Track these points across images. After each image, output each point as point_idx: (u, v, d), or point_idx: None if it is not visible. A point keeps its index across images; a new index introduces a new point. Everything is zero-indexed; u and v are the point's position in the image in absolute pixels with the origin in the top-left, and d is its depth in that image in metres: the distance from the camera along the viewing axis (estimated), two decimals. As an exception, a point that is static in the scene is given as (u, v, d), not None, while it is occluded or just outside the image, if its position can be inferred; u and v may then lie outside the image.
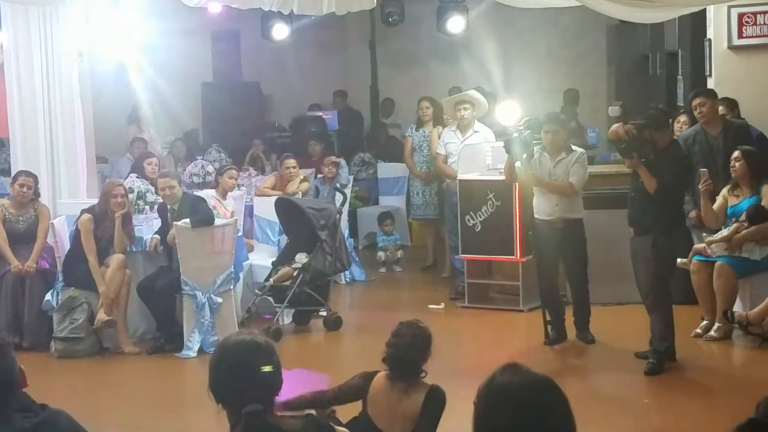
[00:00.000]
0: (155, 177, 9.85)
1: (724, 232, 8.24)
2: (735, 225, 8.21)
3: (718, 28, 9.63)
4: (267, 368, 3.16)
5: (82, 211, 8.60)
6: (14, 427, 3.08)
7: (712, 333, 8.14)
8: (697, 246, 8.44)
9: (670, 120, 9.01)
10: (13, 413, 3.12)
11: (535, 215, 8.22)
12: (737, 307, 8.17)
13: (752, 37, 9.54)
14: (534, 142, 8.16)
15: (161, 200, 8.98)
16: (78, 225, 8.55)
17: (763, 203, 8.16)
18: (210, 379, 3.25)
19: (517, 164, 8.14)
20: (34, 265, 8.70)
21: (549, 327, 8.24)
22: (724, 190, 8.38)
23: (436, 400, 4.94)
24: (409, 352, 4.92)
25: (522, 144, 8.02)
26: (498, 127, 10.13)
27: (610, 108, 7.69)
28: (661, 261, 7.36)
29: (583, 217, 8.21)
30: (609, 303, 9.07)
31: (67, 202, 9.46)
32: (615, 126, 7.74)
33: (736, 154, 8.25)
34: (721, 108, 8.88)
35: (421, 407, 4.89)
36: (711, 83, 9.61)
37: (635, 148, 7.30)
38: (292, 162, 11.02)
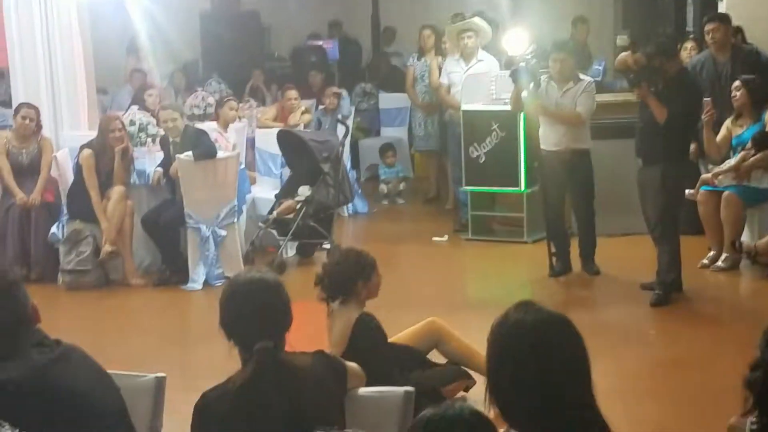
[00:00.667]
0: (156, 108, 9.78)
1: (731, 162, 8.18)
2: (742, 154, 8.15)
3: (730, -51, 9.42)
4: None
5: (82, 147, 8.53)
6: (30, 363, 3.06)
7: (719, 263, 8.11)
8: (705, 176, 8.39)
9: (678, 45, 8.88)
10: (29, 349, 3.11)
11: (542, 146, 8.14)
12: (745, 237, 8.14)
13: (766, -44, 9.33)
14: (541, 71, 8.07)
15: (163, 133, 8.91)
16: (79, 160, 8.50)
17: None
18: (221, 317, 3.27)
19: (524, 94, 8.05)
20: (39, 198, 8.68)
21: (554, 259, 8.22)
22: (728, 121, 8.31)
23: (364, 328, 5.04)
24: (332, 275, 5.12)
25: (529, 74, 7.93)
26: (501, 55, 9.99)
27: (617, 37, 7.55)
28: (670, 192, 7.28)
29: (590, 148, 8.13)
30: (614, 234, 9.02)
31: (69, 134, 9.39)
32: (623, 55, 7.63)
33: (736, 83, 8.18)
34: None
35: (350, 334, 5.02)
36: (722, 7, 9.42)
37: (644, 78, 7.20)
38: (293, 93, 10.92)
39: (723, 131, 8.30)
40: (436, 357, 5.65)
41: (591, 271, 8.17)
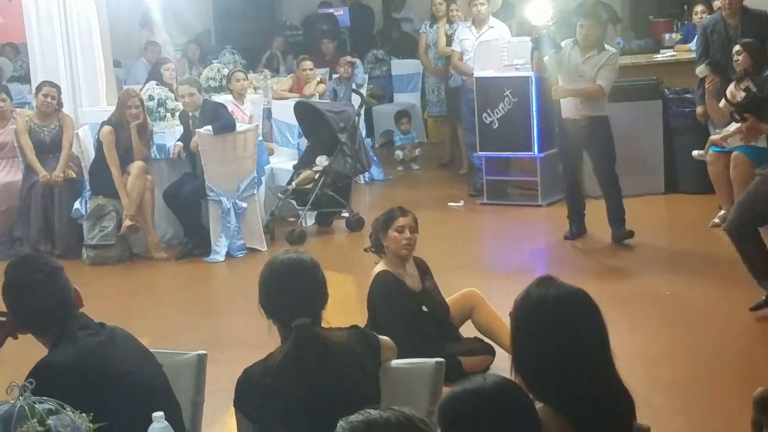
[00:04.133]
0: (173, 83, 9.90)
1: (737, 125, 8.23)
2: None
3: None
4: None
5: (103, 123, 8.67)
6: (80, 346, 3.23)
7: (730, 222, 8.20)
8: (713, 137, 8.46)
9: (686, 7, 8.66)
10: (76, 332, 3.28)
11: (563, 113, 8.19)
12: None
13: None
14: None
15: (182, 107, 9.04)
16: (99, 137, 8.64)
17: None
18: (260, 296, 3.40)
19: (546, 58, 8.12)
20: (62, 175, 8.83)
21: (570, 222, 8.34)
22: (731, 86, 8.33)
23: (377, 284, 5.37)
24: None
25: (550, 41, 8.00)
26: (511, 21, 9.98)
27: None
28: None
29: (608, 115, 8.10)
30: (626, 195, 9.09)
31: (88, 110, 9.53)
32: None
33: (736, 47, 8.19)
34: None
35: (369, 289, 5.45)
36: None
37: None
38: (309, 64, 11.02)
39: (727, 95, 8.33)
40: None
41: (622, 235, 8.03)
